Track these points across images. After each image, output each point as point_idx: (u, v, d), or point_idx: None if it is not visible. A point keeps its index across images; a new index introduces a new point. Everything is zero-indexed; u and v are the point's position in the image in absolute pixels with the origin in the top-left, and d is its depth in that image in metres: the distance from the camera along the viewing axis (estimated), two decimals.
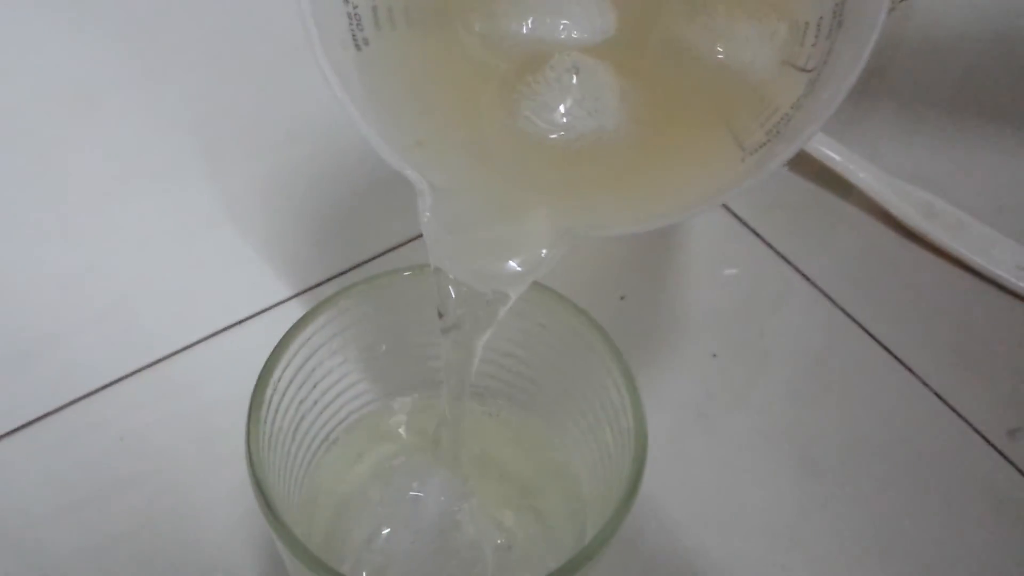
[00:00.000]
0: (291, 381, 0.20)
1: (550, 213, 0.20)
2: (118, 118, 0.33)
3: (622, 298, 0.34)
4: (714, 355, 0.33)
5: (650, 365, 0.32)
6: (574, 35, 0.22)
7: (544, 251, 0.20)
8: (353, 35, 0.20)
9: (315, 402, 0.22)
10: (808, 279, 0.35)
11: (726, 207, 0.37)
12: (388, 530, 0.22)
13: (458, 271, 0.20)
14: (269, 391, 0.19)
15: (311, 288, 0.33)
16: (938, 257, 0.36)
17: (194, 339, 0.32)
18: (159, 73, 0.33)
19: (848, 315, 0.34)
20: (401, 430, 0.23)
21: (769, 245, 0.36)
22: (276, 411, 0.20)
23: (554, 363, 0.23)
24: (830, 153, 0.37)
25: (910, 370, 0.32)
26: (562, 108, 0.21)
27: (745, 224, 0.36)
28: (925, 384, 0.32)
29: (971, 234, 0.36)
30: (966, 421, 0.31)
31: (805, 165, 0.38)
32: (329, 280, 0.33)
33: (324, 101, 0.19)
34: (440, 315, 0.21)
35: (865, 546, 0.29)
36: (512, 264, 0.20)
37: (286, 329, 0.21)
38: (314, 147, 0.35)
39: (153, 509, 0.28)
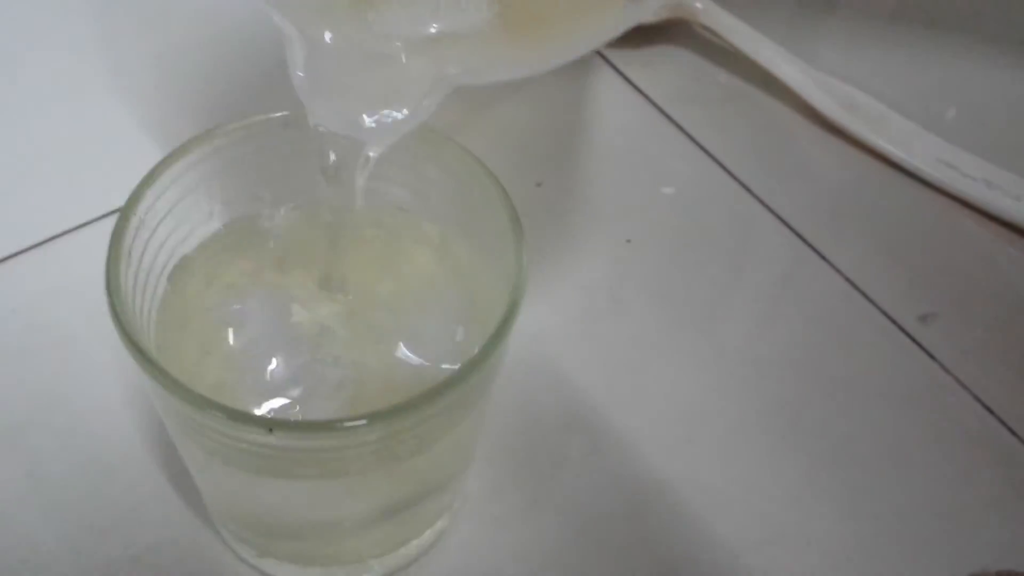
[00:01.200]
0: (161, 218, 0.20)
1: (426, 61, 0.20)
2: None
3: (538, 185, 0.33)
4: (628, 241, 0.32)
5: (564, 250, 0.32)
6: None
7: (422, 99, 0.19)
8: None
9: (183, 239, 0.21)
10: (726, 169, 0.34)
11: (646, 96, 0.36)
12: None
13: (333, 124, 0.20)
14: (133, 226, 0.18)
15: None
16: (859, 151, 0.35)
17: (90, 218, 0.31)
18: None
19: (765, 205, 0.33)
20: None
21: (688, 136, 0.35)
22: (140, 249, 0.19)
23: (443, 199, 0.22)
24: (756, 46, 0.36)
25: (823, 257, 0.32)
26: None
27: (665, 114, 0.36)
28: (837, 270, 0.32)
29: (893, 128, 0.35)
30: (878, 307, 0.32)
31: (729, 57, 0.37)
32: None
33: None
34: (322, 168, 0.20)
35: (769, 423, 0.29)
36: (389, 112, 0.20)
37: None
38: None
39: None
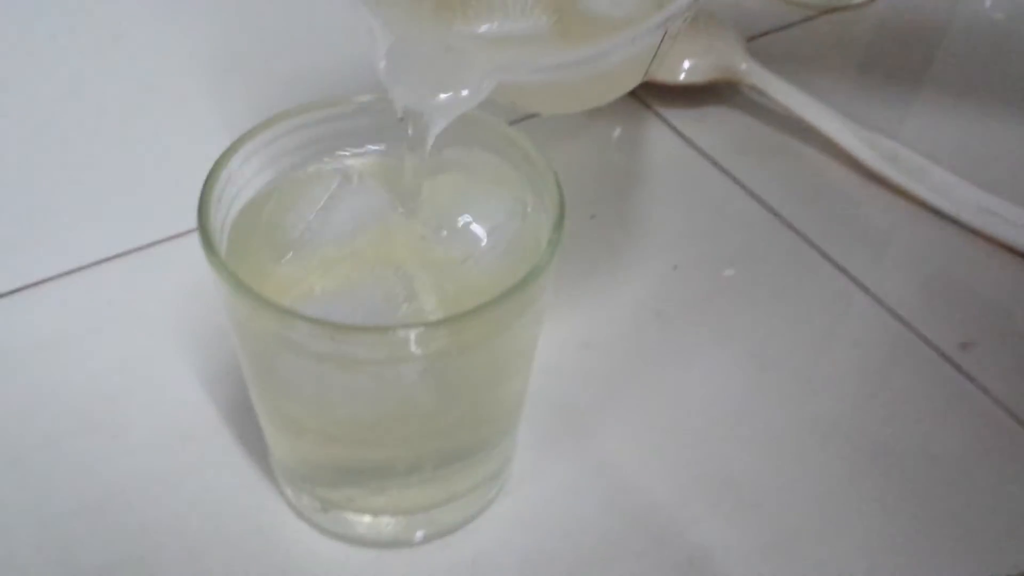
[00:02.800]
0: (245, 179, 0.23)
1: (489, 54, 0.23)
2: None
3: (592, 217, 0.36)
4: (675, 267, 0.34)
5: (614, 273, 0.34)
6: None
7: (481, 82, 0.23)
8: None
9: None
10: (771, 209, 0.36)
11: (698, 148, 0.39)
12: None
13: (410, 102, 0.23)
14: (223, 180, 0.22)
15: None
16: (901, 198, 0.37)
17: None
18: None
19: (813, 245, 0.35)
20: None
21: (736, 181, 0.38)
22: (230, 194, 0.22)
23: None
24: (799, 104, 0.39)
25: (867, 291, 0.34)
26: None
27: (715, 163, 0.38)
28: (882, 304, 0.33)
29: (933, 178, 0.37)
30: (921, 336, 0.32)
31: (774, 114, 0.40)
32: None
33: None
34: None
35: (808, 437, 0.30)
36: (454, 93, 0.23)
37: None
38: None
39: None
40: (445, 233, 0.24)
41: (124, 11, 0.44)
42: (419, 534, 0.26)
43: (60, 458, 0.29)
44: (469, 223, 0.25)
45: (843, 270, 0.35)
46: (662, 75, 0.40)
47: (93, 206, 0.36)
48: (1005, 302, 0.34)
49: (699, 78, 0.40)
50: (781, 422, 0.30)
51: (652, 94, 0.41)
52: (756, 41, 0.44)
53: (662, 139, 0.40)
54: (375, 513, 0.25)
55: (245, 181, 0.24)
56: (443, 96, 0.23)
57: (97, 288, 0.33)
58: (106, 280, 0.33)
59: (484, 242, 0.24)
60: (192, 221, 0.22)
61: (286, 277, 0.23)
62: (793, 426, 0.30)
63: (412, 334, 0.20)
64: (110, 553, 0.27)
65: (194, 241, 0.23)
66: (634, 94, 0.41)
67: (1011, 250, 0.35)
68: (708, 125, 0.40)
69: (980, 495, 0.29)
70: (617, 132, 0.40)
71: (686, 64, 0.40)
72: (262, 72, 0.41)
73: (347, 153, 0.26)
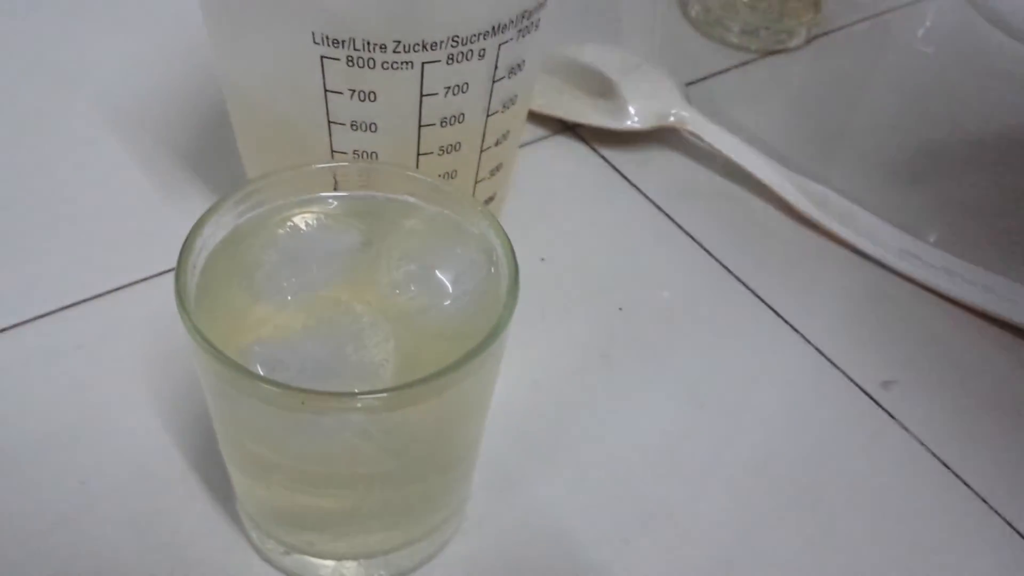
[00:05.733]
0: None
1: None
2: None
3: (542, 260, 0.38)
4: (620, 309, 0.36)
5: (562, 315, 0.36)
6: None
7: None
8: None
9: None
10: (709, 252, 0.39)
11: (639, 190, 0.41)
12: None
13: None
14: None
15: None
16: (830, 242, 0.40)
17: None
18: None
19: (747, 286, 0.38)
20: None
21: (676, 224, 0.40)
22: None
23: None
24: (736, 150, 0.41)
25: (796, 330, 0.36)
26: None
27: (656, 205, 0.40)
28: (808, 342, 0.36)
29: (859, 222, 0.40)
30: (845, 374, 0.35)
31: (712, 159, 0.42)
32: None
33: None
34: None
35: (739, 471, 0.32)
36: None
37: None
38: None
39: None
40: (411, 282, 0.25)
41: (77, 58, 0.45)
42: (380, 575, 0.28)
43: (26, 502, 0.29)
44: (435, 271, 0.26)
45: (774, 310, 0.37)
46: (609, 122, 0.42)
47: (60, 250, 0.37)
48: (925, 341, 0.37)
49: (642, 124, 0.42)
50: (715, 458, 0.32)
51: (598, 139, 0.43)
52: (696, 86, 0.47)
53: (608, 183, 0.42)
54: (336, 557, 0.27)
55: (213, 242, 0.26)
56: None
57: (65, 332, 0.34)
58: (74, 324, 0.34)
59: (449, 291, 0.25)
60: (159, 264, 0.23)
61: (255, 322, 0.24)
62: (726, 462, 0.32)
63: (360, 402, 0.21)
64: None
65: (162, 284, 0.24)
66: (582, 139, 0.43)
67: (931, 291, 0.38)
68: (651, 169, 0.42)
69: (900, 530, 0.31)
70: (566, 176, 0.42)
71: (631, 111, 0.42)
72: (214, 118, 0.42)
73: (312, 206, 0.27)
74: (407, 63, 0.28)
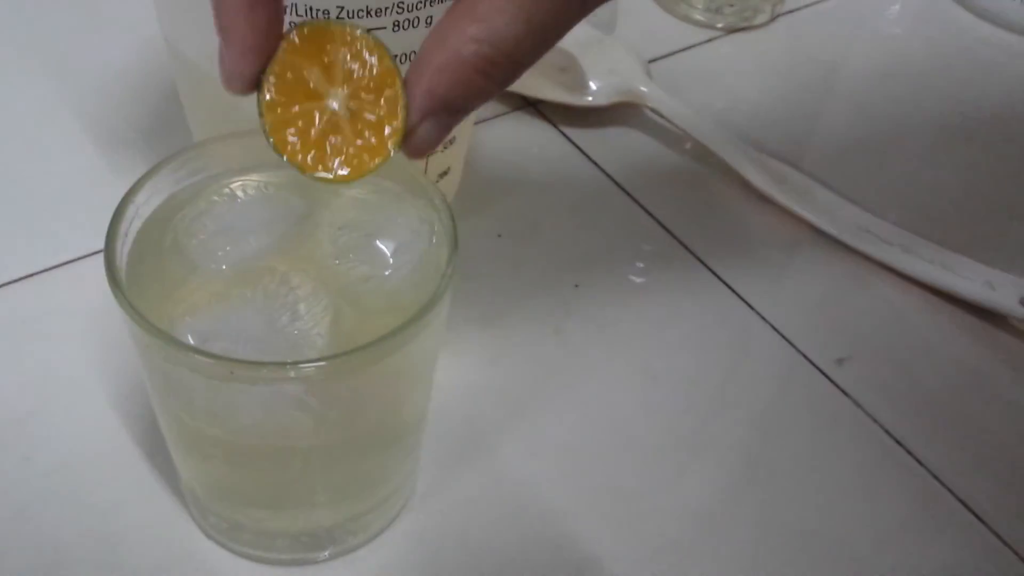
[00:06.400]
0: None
1: None
2: None
3: (499, 236, 0.37)
4: (576, 285, 0.36)
5: (518, 290, 0.36)
6: None
7: None
8: None
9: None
10: (666, 229, 0.39)
11: (599, 167, 0.41)
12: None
13: None
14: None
15: None
16: (789, 219, 0.40)
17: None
18: None
19: (703, 262, 0.38)
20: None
21: (636, 201, 0.40)
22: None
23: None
24: (695, 126, 0.41)
25: (751, 307, 0.36)
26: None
27: (615, 182, 0.40)
28: (764, 319, 0.36)
29: (817, 199, 0.40)
30: (800, 351, 0.35)
31: (672, 136, 0.42)
32: None
33: None
34: None
35: (691, 446, 0.32)
36: None
37: None
38: None
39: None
40: (351, 251, 0.25)
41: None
42: (325, 552, 0.27)
43: None
44: (375, 241, 0.25)
45: (731, 288, 0.37)
46: (569, 98, 0.42)
47: (4, 225, 0.36)
48: (880, 319, 0.37)
49: (603, 100, 0.42)
50: (668, 435, 0.32)
51: (559, 115, 0.42)
52: (659, 62, 0.46)
53: (568, 159, 0.41)
54: (281, 533, 0.26)
55: (147, 211, 0.25)
56: None
57: (9, 307, 0.33)
58: (16, 301, 0.34)
59: (390, 261, 0.25)
60: (100, 241, 0.23)
61: (189, 293, 0.24)
62: (679, 438, 0.32)
63: (292, 372, 0.21)
64: (17, 571, 0.27)
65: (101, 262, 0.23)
66: (542, 115, 0.43)
67: (888, 268, 0.38)
68: (611, 146, 0.42)
69: (852, 505, 0.31)
70: (526, 152, 0.41)
71: (592, 86, 0.42)
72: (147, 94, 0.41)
73: (252, 173, 0.26)
74: None
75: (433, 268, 0.24)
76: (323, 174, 0.21)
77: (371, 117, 0.21)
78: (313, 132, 0.21)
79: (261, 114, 0.21)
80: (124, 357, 0.32)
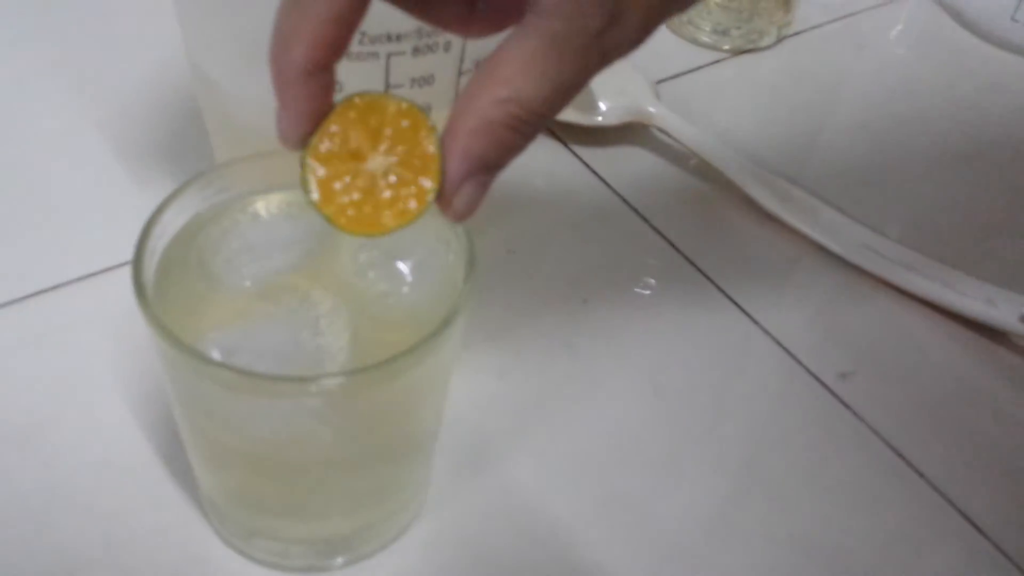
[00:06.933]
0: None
1: None
2: None
3: (510, 251, 0.38)
4: (585, 300, 0.37)
5: (528, 305, 0.37)
6: None
7: None
8: None
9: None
10: (674, 246, 0.39)
11: (609, 186, 0.42)
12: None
13: None
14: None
15: None
16: (793, 236, 0.40)
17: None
18: None
19: (708, 278, 0.38)
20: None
21: (644, 219, 0.40)
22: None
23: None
24: (702, 145, 0.42)
25: (756, 322, 0.37)
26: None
27: (625, 201, 0.41)
28: (768, 334, 0.37)
29: (822, 218, 0.41)
30: (803, 366, 0.36)
31: (680, 155, 0.43)
32: None
33: None
34: None
35: (697, 459, 0.33)
36: None
37: None
38: None
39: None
40: (370, 269, 0.26)
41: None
42: (339, 560, 0.28)
43: None
44: (394, 259, 0.26)
45: (736, 303, 0.38)
46: (579, 117, 0.43)
47: (30, 238, 0.37)
48: (883, 334, 0.37)
49: (612, 120, 0.43)
50: (674, 447, 0.33)
51: (569, 134, 0.43)
52: (666, 83, 0.47)
53: (578, 177, 0.42)
54: (297, 541, 0.27)
55: (172, 228, 0.26)
56: None
57: (31, 319, 0.34)
58: (41, 311, 0.35)
59: (408, 279, 0.26)
60: (129, 253, 0.24)
61: (213, 308, 0.25)
62: (685, 450, 0.33)
63: (314, 387, 0.22)
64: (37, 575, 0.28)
65: (127, 273, 0.24)
66: (553, 134, 0.44)
67: (890, 285, 0.39)
68: (620, 165, 0.43)
69: (855, 518, 0.32)
70: (537, 170, 0.42)
71: (601, 107, 0.43)
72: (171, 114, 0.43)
73: (275, 193, 0.27)
74: (372, 54, 0.28)
75: (450, 285, 0.25)
76: (355, 231, 0.22)
77: (410, 177, 0.22)
78: (353, 192, 0.22)
79: (304, 174, 0.22)
80: (144, 367, 0.33)
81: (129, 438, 0.31)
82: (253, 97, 0.31)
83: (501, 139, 0.21)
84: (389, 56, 0.29)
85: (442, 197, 0.22)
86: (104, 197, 0.39)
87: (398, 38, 0.28)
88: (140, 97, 0.43)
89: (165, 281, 0.24)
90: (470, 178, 0.22)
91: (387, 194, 0.22)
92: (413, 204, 0.22)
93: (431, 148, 0.22)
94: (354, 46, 0.28)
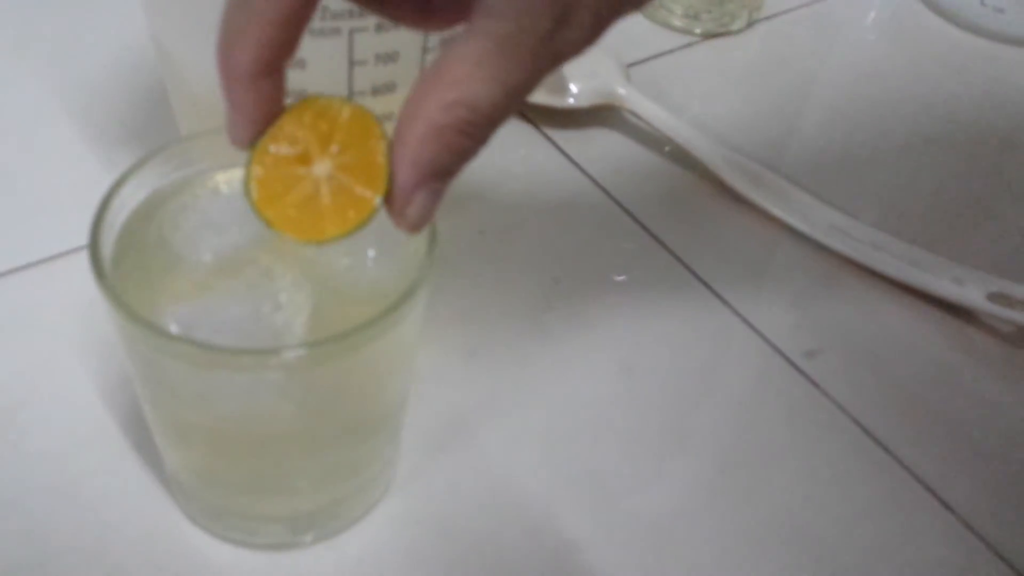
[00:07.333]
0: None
1: None
2: None
3: (481, 232, 0.38)
4: (556, 280, 0.37)
5: (499, 285, 0.37)
6: None
7: None
8: None
9: None
10: (644, 227, 0.40)
11: (580, 168, 0.42)
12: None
13: None
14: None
15: None
16: (764, 219, 0.41)
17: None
18: None
19: (680, 260, 0.39)
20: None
21: (615, 200, 0.41)
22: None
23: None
24: (674, 128, 0.42)
25: (726, 303, 0.37)
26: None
27: (594, 181, 0.41)
28: (738, 314, 0.37)
29: (791, 200, 0.41)
30: (771, 344, 0.36)
31: (651, 137, 0.43)
32: None
33: None
34: None
35: (667, 436, 0.33)
36: None
37: None
38: None
39: None
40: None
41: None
42: (308, 537, 0.28)
43: None
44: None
45: (706, 284, 0.38)
46: (550, 100, 0.43)
47: None
48: (850, 313, 0.38)
49: (583, 103, 0.43)
50: (644, 424, 0.33)
51: (541, 116, 0.43)
52: (638, 66, 0.47)
53: (549, 159, 0.42)
54: (264, 519, 0.27)
55: (132, 204, 0.26)
56: None
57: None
58: (4, 294, 0.34)
59: (370, 252, 0.26)
60: (86, 237, 0.24)
61: (172, 283, 0.24)
62: (655, 429, 0.33)
63: (273, 359, 0.22)
64: (6, 558, 0.28)
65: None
66: (525, 117, 0.44)
67: (858, 265, 0.39)
68: (591, 147, 0.43)
69: (822, 495, 0.32)
70: (508, 152, 0.42)
71: (572, 89, 0.43)
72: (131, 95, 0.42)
73: (236, 168, 0.27)
74: (335, 30, 0.28)
75: (413, 259, 0.25)
76: (293, 236, 0.22)
77: (355, 186, 0.22)
78: (295, 198, 0.22)
79: (248, 175, 0.22)
80: (111, 349, 0.32)
81: (94, 420, 0.31)
82: (215, 72, 0.30)
83: (451, 144, 0.21)
84: (352, 32, 0.28)
85: (394, 207, 0.22)
86: (70, 178, 0.38)
87: (361, 13, 0.28)
88: (105, 77, 0.43)
89: (124, 257, 0.24)
90: (422, 186, 0.21)
91: (328, 201, 0.22)
92: (352, 213, 0.21)
93: (379, 157, 0.22)
94: (316, 22, 0.28)
